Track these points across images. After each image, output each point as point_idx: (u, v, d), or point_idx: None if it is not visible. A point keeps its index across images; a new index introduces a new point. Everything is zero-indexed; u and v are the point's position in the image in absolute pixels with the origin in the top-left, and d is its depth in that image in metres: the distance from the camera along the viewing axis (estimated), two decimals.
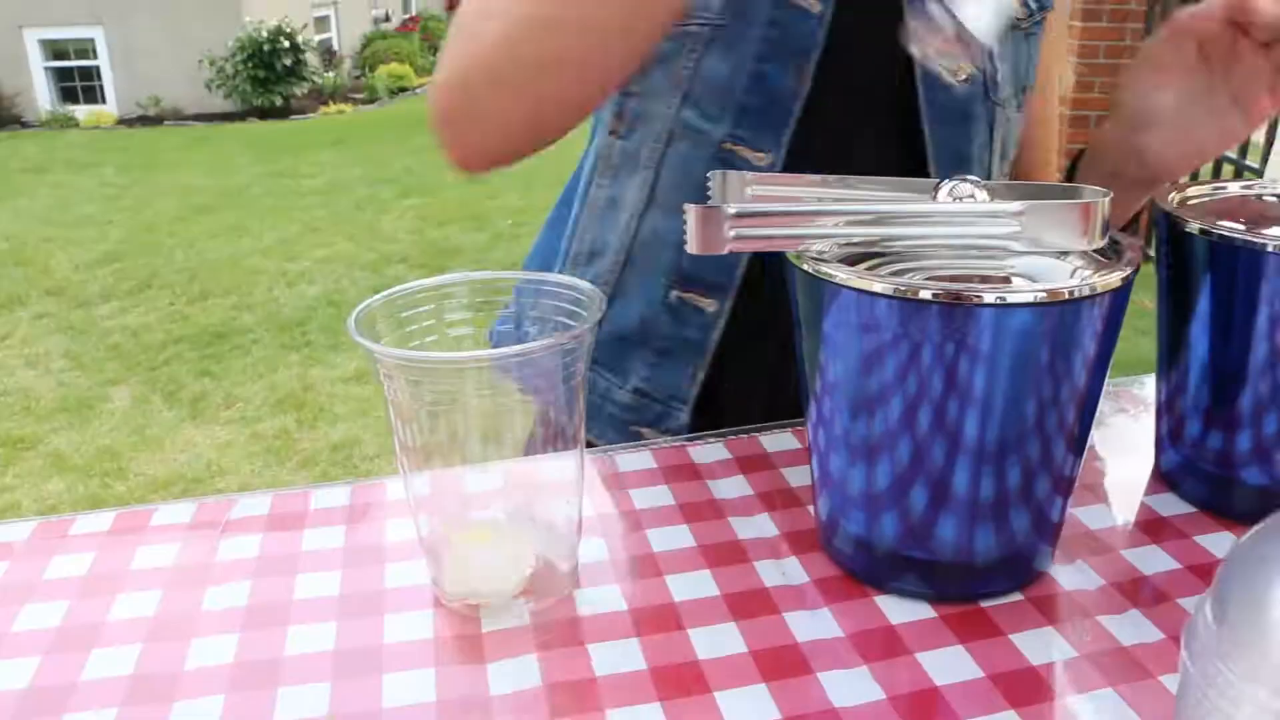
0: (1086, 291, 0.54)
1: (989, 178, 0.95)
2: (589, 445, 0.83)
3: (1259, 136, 4.19)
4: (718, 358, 0.94)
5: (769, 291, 0.91)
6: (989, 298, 0.53)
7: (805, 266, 0.57)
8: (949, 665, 0.56)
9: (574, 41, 0.74)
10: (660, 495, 0.72)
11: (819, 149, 0.88)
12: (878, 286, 0.54)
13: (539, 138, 0.80)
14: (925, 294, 0.53)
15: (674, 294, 0.93)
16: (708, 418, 0.92)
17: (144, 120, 11.33)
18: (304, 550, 0.67)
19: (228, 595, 0.63)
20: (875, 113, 0.91)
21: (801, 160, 0.88)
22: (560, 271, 0.96)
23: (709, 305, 0.92)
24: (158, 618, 0.61)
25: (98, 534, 0.70)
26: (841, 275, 0.55)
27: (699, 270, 0.92)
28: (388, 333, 0.60)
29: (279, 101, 11.44)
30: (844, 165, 0.81)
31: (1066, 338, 0.55)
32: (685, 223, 0.55)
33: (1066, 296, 0.54)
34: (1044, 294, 0.53)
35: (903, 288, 0.54)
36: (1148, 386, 0.89)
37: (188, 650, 0.58)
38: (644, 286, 0.94)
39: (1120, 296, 0.56)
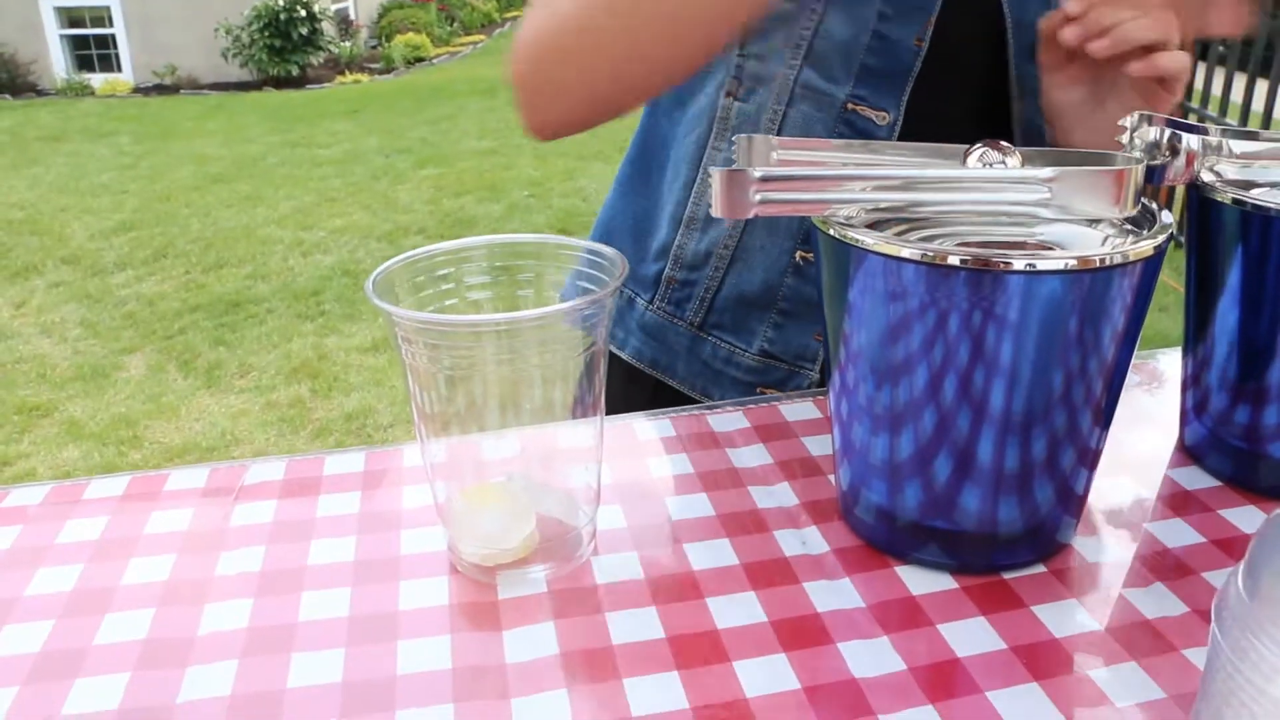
0: (1118, 260, 0.53)
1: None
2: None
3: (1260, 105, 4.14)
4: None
5: None
6: (1019, 264, 0.52)
7: (831, 231, 0.56)
8: (970, 636, 0.55)
9: (651, 27, 0.75)
10: (679, 463, 0.71)
11: (929, 111, 0.89)
12: (905, 252, 0.53)
13: (611, 113, 0.82)
14: (953, 260, 0.52)
15: (798, 255, 0.93)
16: None
17: (160, 89, 11.31)
18: (319, 516, 0.67)
19: (242, 560, 0.63)
20: (972, 79, 0.92)
21: (913, 120, 0.89)
22: (670, 236, 0.97)
23: None
24: (171, 582, 0.61)
25: (112, 498, 0.70)
26: (868, 240, 0.54)
27: None
28: (406, 296, 0.59)
29: (295, 71, 11.41)
30: (947, 129, 0.82)
31: (1096, 307, 0.54)
32: (710, 186, 0.54)
33: (1098, 264, 0.52)
34: (1075, 261, 0.52)
35: (930, 253, 0.53)
36: (1167, 360, 0.88)
37: (201, 615, 0.58)
38: (766, 249, 0.94)
39: (1152, 265, 0.55)
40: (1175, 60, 0.77)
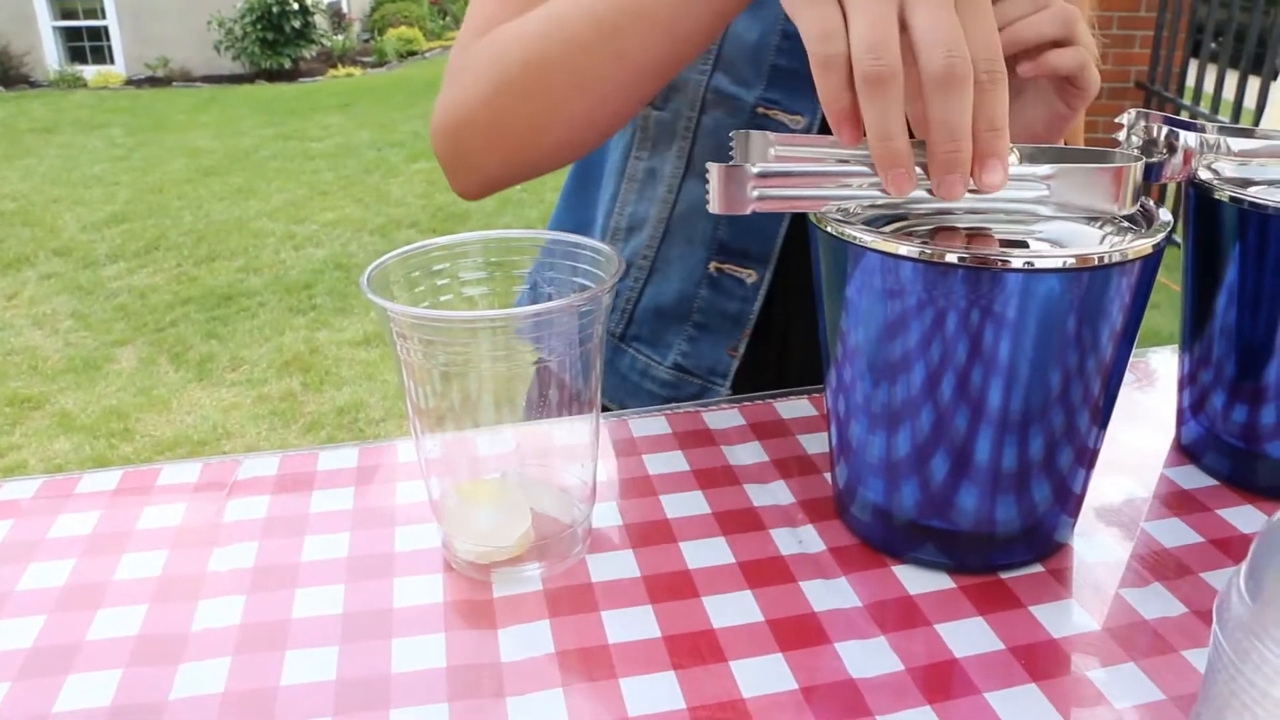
0: (1117, 258, 0.53)
1: None
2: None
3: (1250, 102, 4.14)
4: (757, 331, 0.92)
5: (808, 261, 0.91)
6: (1017, 262, 0.52)
7: (828, 228, 0.56)
8: (968, 636, 0.55)
9: (547, 106, 0.75)
10: (675, 460, 0.71)
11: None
12: (902, 249, 0.53)
13: (530, 174, 0.82)
14: (951, 257, 0.52)
15: (713, 265, 0.92)
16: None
17: (152, 81, 11.28)
18: (312, 512, 0.66)
19: (235, 556, 0.62)
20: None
21: None
22: None
23: (748, 276, 0.91)
24: (164, 578, 0.61)
25: (104, 493, 0.69)
26: (865, 238, 0.54)
27: (738, 240, 0.91)
28: (401, 292, 0.59)
29: (287, 64, 11.38)
30: None
31: (1095, 305, 0.54)
32: (708, 182, 0.54)
33: (1097, 263, 0.52)
34: (1073, 260, 0.52)
35: (928, 251, 0.52)
36: (1160, 359, 0.87)
37: (194, 612, 0.58)
38: (683, 259, 0.93)
39: (1151, 264, 0.54)
40: (1069, 57, 0.69)
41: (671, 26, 0.68)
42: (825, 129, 0.85)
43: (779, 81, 0.86)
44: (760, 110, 0.86)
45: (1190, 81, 4.90)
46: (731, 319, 0.92)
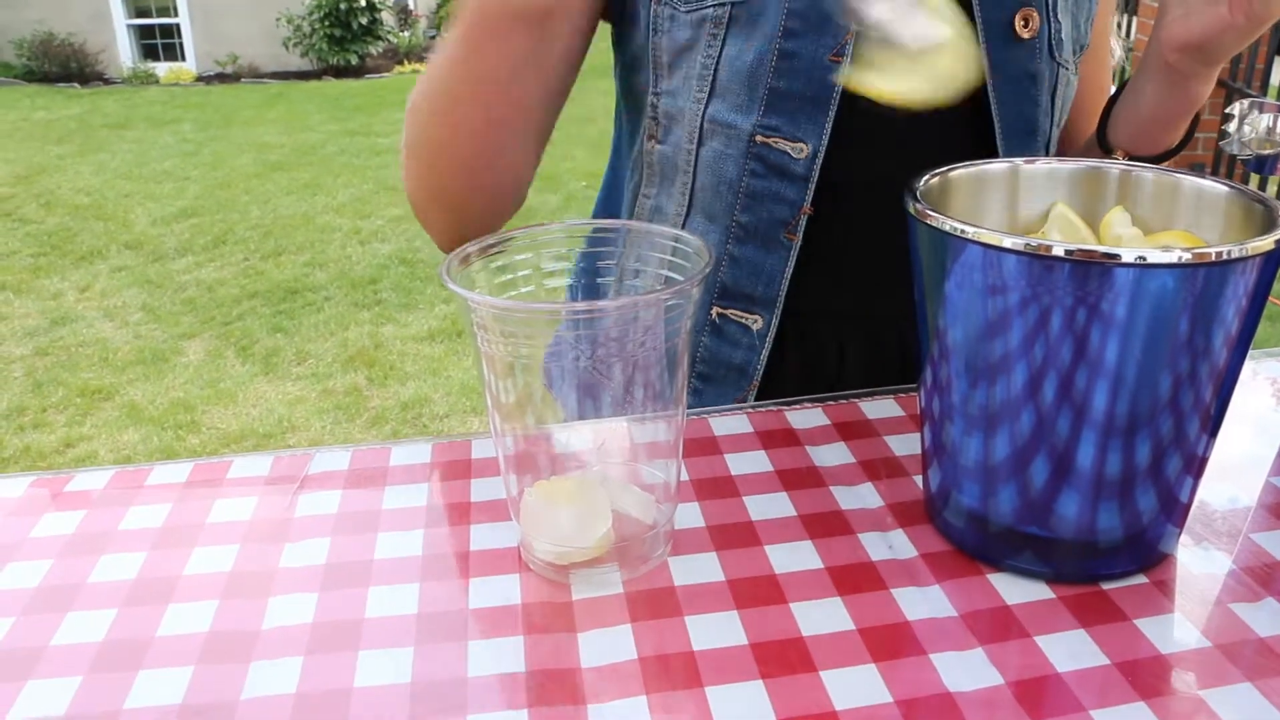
0: (1235, 254, 0.50)
1: (1048, 147, 0.89)
2: None
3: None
4: (765, 382, 0.89)
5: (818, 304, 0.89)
6: (1128, 257, 0.49)
7: (930, 221, 0.53)
8: (1070, 650, 0.52)
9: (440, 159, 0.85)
10: (758, 460, 0.69)
11: (867, 132, 0.81)
12: (1007, 242, 0.50)
13: (484, 227, 0.83)
14: (1058, 251, 0.49)
15: (715, 311, 0.88)
16: None
17: (222, 78, 11.41)
18: (385, 508, 0.65)
19: (307, 552, 0.61)
20: None
21: (848, 148, 0.82)
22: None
23: (753, 322, 0.87)
24: (235, 573, 0.59)
25: (175, 485, 0.68)
26: (968, 230, 0.51)
27: (741, 284, 0.86)
28: (482, 282, 0.57)
29: (354, 60, 11.46)
30: (900, 148, 0.75)
31: (1210, 304, 0.51)
32: None
33: (1213, 259, 0.49)
34: (1188, 255, 0.49)
35: (1032, 244, 0.50)
36: (1270, 364, 0.84)
37: (265, 608, 0.56)
38: None
39: (1272, 261, 0.51)
40: None
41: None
42: (830, 158, 0.82)
43: (777, 105, 0.81)
44: (759, 139, 0.82)
45: (1275, 80, 4.78)
46: (737, 370, 0.89)
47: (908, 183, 0.58)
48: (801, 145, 0.81)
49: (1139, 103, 0.85)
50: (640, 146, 0.91)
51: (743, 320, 0.87)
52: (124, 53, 11.68)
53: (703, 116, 0.84)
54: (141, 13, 11.83)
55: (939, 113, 0.78)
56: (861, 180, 0.82)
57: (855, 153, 0.82)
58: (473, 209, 0.86)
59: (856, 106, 0.79)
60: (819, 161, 0.81)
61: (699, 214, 0.87)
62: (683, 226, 0.88)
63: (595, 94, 2.17)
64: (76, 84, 10.87)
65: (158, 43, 11.89)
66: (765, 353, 0.87)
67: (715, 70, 0.82)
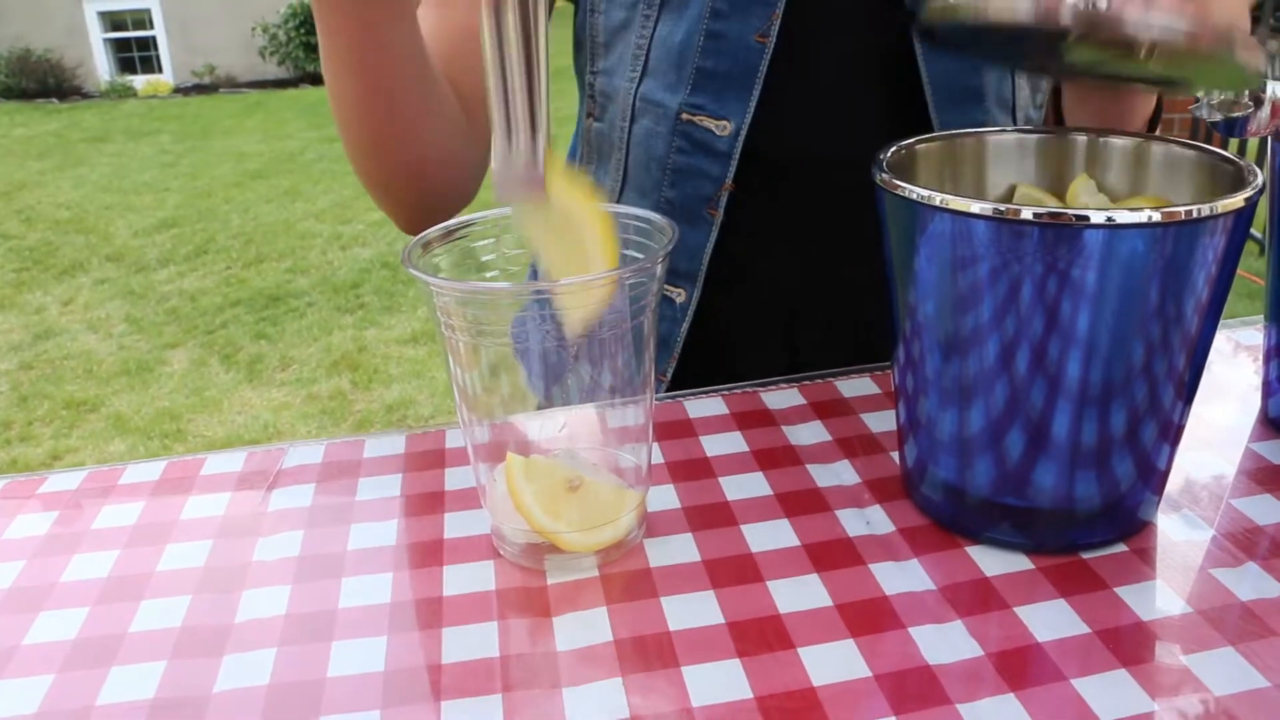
0: (1205, 214, 0.49)
1: (1013, 111, 0.88)
2: None
3: None
4: (685, 354, 0.90)
5: (741, 278, 0.89)
6: (1097, 218, 0.48)
7: (898, 192, 0.53)
8: (1051, 620, 0.51)
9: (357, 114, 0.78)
10: (733, 441, 0.68)
11: (794, 109, 0.83)
12: (974, 208, 0.50)
13: (446, 207, 0.83)
14: (1026, 214, 0.49)
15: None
16: None
17: (199, 88, 11.37)
18: (358, 500, 0.64)
19: (280, 546, 0.60)
20: (861, 60, 0.84)
21: (773, 125, 0.83)
22: None
23: (677, 295, 0.88)
24: (208, 568, 0.59)
25: (148, 483, 0.68)
26: (936, 197, 0.51)
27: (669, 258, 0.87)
28: (445, 267, 0.56)
29: None
30: (826, 125, 0.76)
31: (1182, 266, 0.50)
32: None
33: (1183, 218, 0.49)
34: (1158, 215, 0.49)
35: (1000, 209, 0.49)
36: (1244, 333, 0.83)
37: (239, 602, 0.56)
38: None
39: (1243, 221, 0.51)
40: None
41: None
42: (752, 133, 0.82)
43: (704, 84, 0.82)
44: (685, 117, 0.83)
45: None
46: (659, 342, 0.89)
47: (874, 156, 0.58)
48: (725, 123, 0.83)
49: (1084, 97, 0.84)
50: (580, 124, 0.93)
51: (667, 294, 0.89)
52: (101, 66, 11.63)
53: (635, 95, 0.85)
54: (118, 26, 11.79)
55: (867, 84, 0.80)
56: (788, 156, 0.84)
57: (782, 129, 0.83)
58: (401, 189, 0.82)
59: (781, 84, 0.81)
60: (741, 138, 0.82)
61: (632, 190, 0.89)
62: (617, 202, 0.89)
63: None
64: (54, 99, 10.84)
65: (134, 55, 11.85)
66: (686, 325, 0.89)
67: (648, 50, 0.84)
